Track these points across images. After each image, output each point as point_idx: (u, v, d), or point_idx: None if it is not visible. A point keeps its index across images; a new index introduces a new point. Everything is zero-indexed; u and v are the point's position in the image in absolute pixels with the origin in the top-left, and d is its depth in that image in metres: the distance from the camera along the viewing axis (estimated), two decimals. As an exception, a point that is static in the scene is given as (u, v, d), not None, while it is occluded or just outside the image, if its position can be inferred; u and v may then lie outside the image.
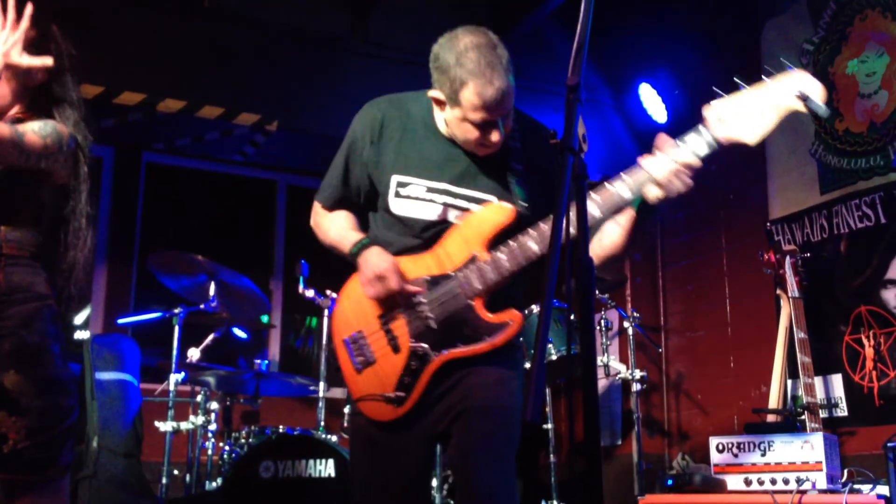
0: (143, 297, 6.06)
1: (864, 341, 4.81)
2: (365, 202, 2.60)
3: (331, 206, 2.64)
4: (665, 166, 2.12)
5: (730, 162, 5.91)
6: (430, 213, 2.42)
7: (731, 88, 2.09)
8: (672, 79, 6.09)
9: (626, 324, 5.50)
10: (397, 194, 2.44)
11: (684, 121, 6.17)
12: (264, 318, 6.44)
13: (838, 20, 5.19)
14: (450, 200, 2.41)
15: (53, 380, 2.46)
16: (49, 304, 2.51)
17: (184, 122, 5.49)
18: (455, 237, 2.38)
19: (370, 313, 2.48)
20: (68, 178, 2.56)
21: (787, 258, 4.63)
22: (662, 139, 2.17)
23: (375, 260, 2.40)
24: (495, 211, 2.36)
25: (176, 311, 4.63)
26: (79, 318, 6.53)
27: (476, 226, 2.36)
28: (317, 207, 2.68)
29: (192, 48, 5.29)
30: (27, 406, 2.38)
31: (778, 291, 4.81)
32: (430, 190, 2.42)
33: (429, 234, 2.43)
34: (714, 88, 2.10)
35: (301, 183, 6.77)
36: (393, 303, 2.43)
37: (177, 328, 4.59)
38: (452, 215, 2.42)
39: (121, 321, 5.40)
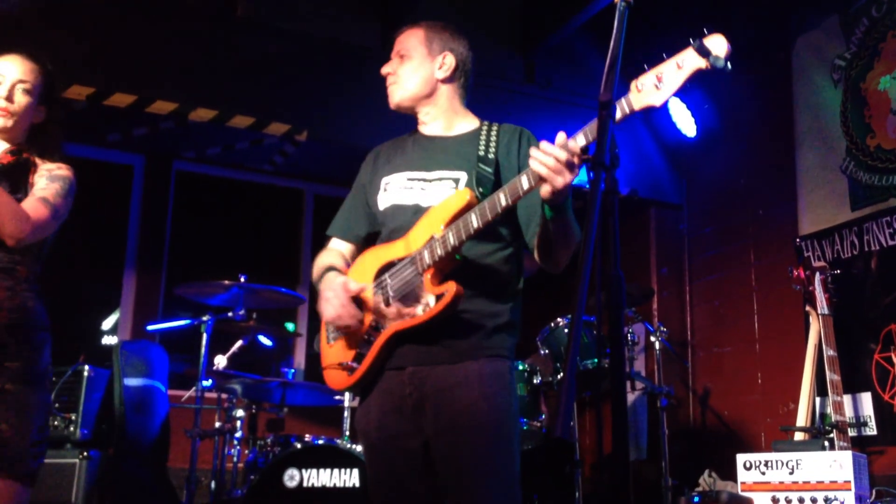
0: (171, 304, 6.12)
1: (894, 359, 4.76)
2: (368, 234, 2.80)
3: (338, 236, 2.83)
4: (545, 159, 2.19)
5: (759, 177, 5.89)
6: (408, 198, 2.61)
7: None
8: (702, 93, 6.06)
9: (652, 338, 5.47)
10: (384, 191, 2.67)
11: (714, 135, 6.19)
12: (290, 326, 6.47)
13: (871, 36, 5.15)
14: (424, 185, 2.61)
15: (45, 403, 2.68)
16: (49, 334, 2.71)
17: (214, 132, 5.54)
18: (422, 222, 2.53)
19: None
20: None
21: (817, 274, 4.59)
22: (559, 137, 2.22)
23: (325, 288, 2.64)
24: (454, 196, 2.50)
25: (204, 318, 4.68)
26: (107, 324, 6.60)
27: (438, 211, 2.50)
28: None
29: (224, 58, 5.36)
30: (22, 406, 2.57)
31: (807, 308, 4.77)
32: (409, 179, 2.64)
33: (409, 221, 2.57)
34: (645, 66, 2.21)
35: (329, 193, 6.81)
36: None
37: (205, 336, 4.64)
38: (427, 197, 2.58)
39: (149, 328, 5.45)
